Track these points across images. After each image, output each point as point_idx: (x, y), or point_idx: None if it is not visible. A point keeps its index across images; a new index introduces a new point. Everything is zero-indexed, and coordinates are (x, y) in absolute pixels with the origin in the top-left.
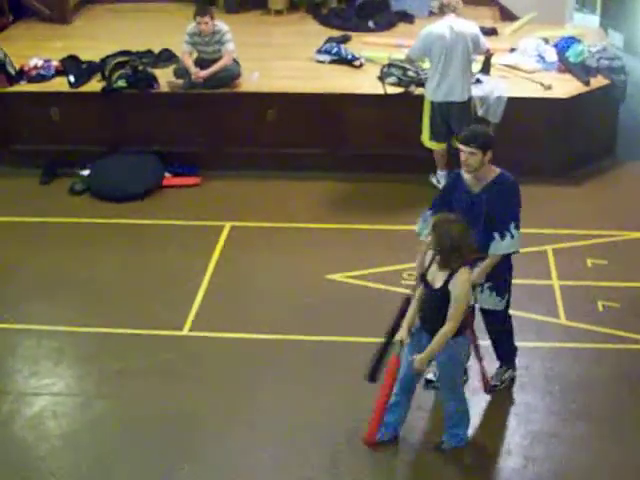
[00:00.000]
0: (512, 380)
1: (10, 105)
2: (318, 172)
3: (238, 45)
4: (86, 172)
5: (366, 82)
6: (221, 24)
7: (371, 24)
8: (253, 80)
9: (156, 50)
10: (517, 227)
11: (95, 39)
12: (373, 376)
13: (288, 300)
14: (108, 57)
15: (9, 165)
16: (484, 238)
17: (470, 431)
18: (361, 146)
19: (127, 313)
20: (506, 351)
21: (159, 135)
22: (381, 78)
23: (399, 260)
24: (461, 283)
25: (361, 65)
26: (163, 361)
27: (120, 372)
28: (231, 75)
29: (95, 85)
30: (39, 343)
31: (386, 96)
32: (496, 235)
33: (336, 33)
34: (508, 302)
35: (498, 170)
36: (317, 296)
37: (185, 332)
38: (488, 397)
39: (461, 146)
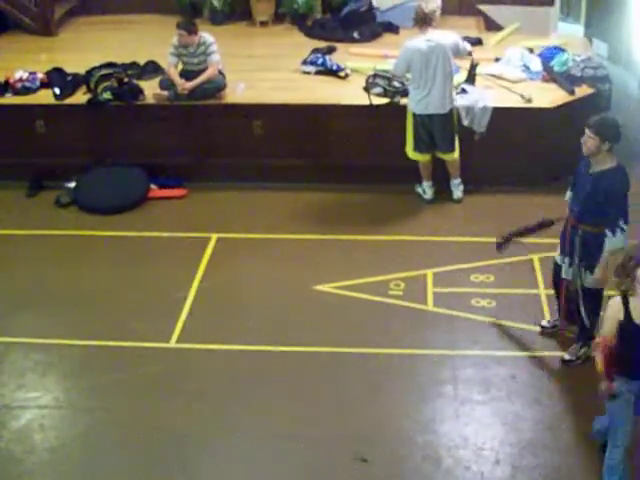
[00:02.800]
0: (587, 358)
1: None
2: (304, 183)
3: (223, 56)
4: (72, 184)
5: (351, 93)
6: (206, 35)
7: (356, 35)
8: (239, 91)
9: (141, 62)
10: (626, 222)
11: (80, 51)
12: (501, 245)
13: (276, 311)
14: (93, 69)
15: None
16: (580, 213)
17: (459, 441)
18: (347, 157)
19: (114, 325)
20: (588, 328)
21: (145, 147)
22: (366, 89)
23: (385, 270)
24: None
25: (346, 76)
26: (150, 373)
27: (107, 385)
28: (216, 86)
29: (80, 97)
30: (25, 356)
31: (371, 107)
32: (608, 232)
33: (321, 44)
34: None
35: (616, 164)
36: (305, 307)
37: (172, 344)
38: (479, 407)
39: (586, 129)
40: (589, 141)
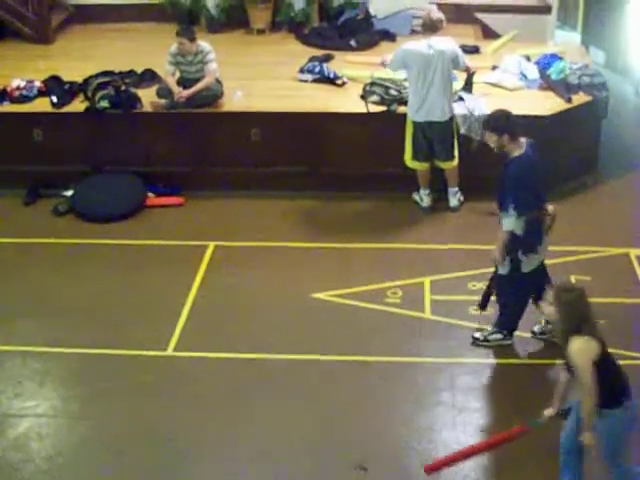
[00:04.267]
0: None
1: None
2: (302, 191)
3: (221, 64)
4: (69, 193)
5: (349, 101)
6: (204, 44)
7: (353, 43)
8: (236, 99)
9: (139, 70)
10: (515, 209)
11: (78, 59)
12: (484, 304)
13: (273, 319)
14: (91, 77)
15: None
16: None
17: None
18: (344, 165)
19: (111, 333)
20: (503, 319)
21: (142, 155)
22: (363, 97)
23: (383, 278)
24: (573, 355)
25: (343, 84)
26: (148, 382)
27: (105, 393)
28: (214, 94)
29: (78, 105)
30: (23, 364)
31: (368, 114)
32: (502, 213)
33: (318, 52)
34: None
35: (520, 153)
36: (302, 315)
37: (169, 352)
38: (476, 414)
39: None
40: (490, 140)
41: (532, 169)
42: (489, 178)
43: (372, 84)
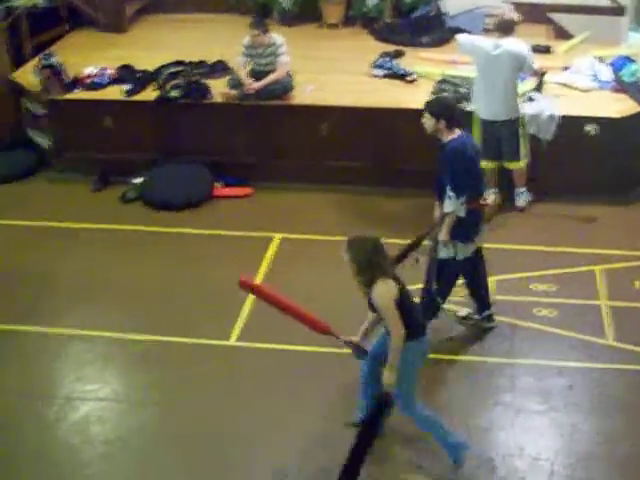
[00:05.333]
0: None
1: (65, 112)
2: (368, 186)
3: (292, 58)
4: (138, 180)
5: (419, 97)
6: (276, 37)
7: (425, 40)
8: (307, 93)
9: (210, 61)
10: (453, 190)
11: (150, 49)
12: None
13: (334, 312)
14: (162, 67)
15: (63, 172)
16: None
17: (515, 450)
18: (412, 161)
19: (174, 321)
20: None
21: (211, 145)
22: (434, 94)
23: None
24: (377, 297)
25: (414, 80)
26: (209, 371)
27: (165, 380)
28: (284, 88)
29: (149, 94)
30: (86, 348)
31: None
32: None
33: (390, 48)
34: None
35: (453, 137)
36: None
37: (232, 342)
38: (536, 417)
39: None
40: (425, 122)
41: (467, 155)
42: (558, 179)
43: (442, 81)
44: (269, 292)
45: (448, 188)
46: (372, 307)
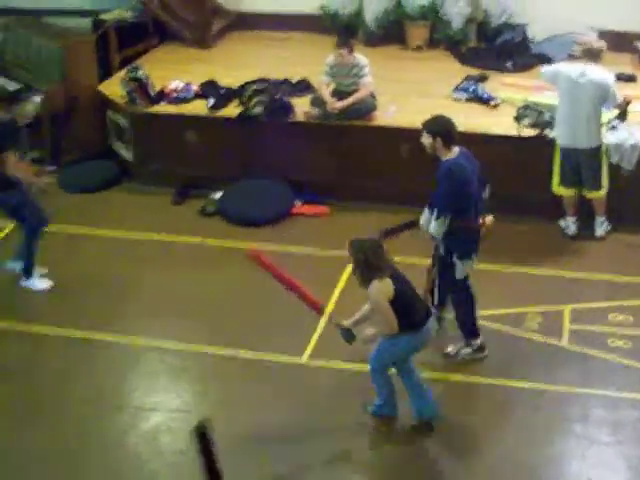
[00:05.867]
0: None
1: (149, 125)
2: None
3: (375, 78)
4: (218, 195)
5: (501, 122)
6: (360, 57)
7: (509, 65)
8: (389, 114)
9: (294, 79)
10: (437, 208)
11: (234, 65)
12: (386, 234)
13: None
14: (247, 83)
15: (145, 183)
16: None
17: None
18: (491, 186)
19: (247, 336)
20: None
21: (292, 163)
22: (516, 119)
23: (523, 303)
24: (371, 295)
25: (497, 105)
26: (279, 387)
27: (235, 394)
28: (367, 108)
29: (232, 110)
30: (159, 359)
31: (520, 138)
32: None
33: (474, 72)
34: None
35: (450, 157)
36: (443, 336)
37: (304, 360)
38: (606, 449)
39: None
40: (424, 140)
41: (459, 178)
42: (638, 209)
43: (526, 107)
44: (274, 266)
45: (436, 209)
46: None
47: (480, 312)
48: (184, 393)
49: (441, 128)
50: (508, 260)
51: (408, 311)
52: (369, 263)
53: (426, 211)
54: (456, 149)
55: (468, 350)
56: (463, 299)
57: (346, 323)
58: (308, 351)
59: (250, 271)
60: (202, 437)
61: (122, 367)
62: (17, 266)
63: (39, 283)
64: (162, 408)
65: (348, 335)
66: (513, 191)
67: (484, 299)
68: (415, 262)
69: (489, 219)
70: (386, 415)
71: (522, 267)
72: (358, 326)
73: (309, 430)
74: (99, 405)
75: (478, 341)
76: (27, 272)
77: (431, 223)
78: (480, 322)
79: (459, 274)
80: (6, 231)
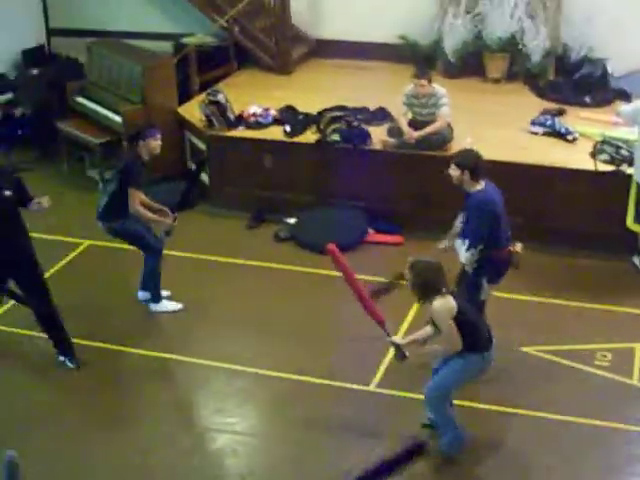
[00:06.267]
0: None
1: (226, 148)
2: (519, 242)
3: (453, 109)
4: (292, 220)
5: (577, 157)
6: (439, 88)
7: (587, 99)
8: (465, 146)
9: (372, 107)
10: (469, 240)
11: (313, 92)
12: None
13: None
14: (325, 110)
15: (220, 206)
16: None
17: None
18: (566, 221)
19: (316, 362)
20: None
21: (366, 191)
22: (593, 154)
23: (593, 339)
24: (435, 313)
25: (574, 140)
26: (345, 414)
27: (301, 420)
28: (444, 139)
29: (309, 136)
30: (227, 381)
31: (596, 173)
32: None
33: (551, 105)
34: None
35: (477, 189)
36: (509, 367)
37: (372, 388)
38: None
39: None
40: (451, 172)
41: (488, 210)
42: None
43: (603, 142)
44: (348, 269)
45: (468, 240)
46: (430, 321)
47: (553, 347)
48: (251, 416)
49: (469, 162)
50: (580, 296)
51: (471, 330)
52: (430, 284)
53: (459, 240)
54: (482, 182)
55: None
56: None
57: (401, 341)
58: (376, 379)
59: (321, 297)
60: None
61: (192, 387)
62: (147, 295)
63: (170, 305)
64: (229, 430)
65: (400, 354)
66: (587, 226)
67: (557, 334)
68: None
69: (519, 246)
70: (459, 447)
71: (592, 303)
72: (412, 347)
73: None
74: (168, 423)
75: None
76: (155, 297)
77: (462, 253)
78: (552, 357)
79: (484, 295)
80: (81, 248)
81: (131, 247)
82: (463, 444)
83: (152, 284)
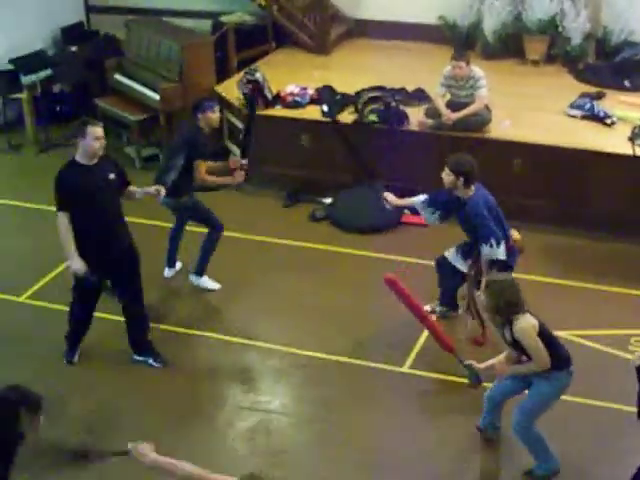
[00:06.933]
0: None
1: (264, 127)
2: (555, 226)
3: (491, 91)
4: (328, 200)
5: (616, 141)
6: (477, 69)
7: (627, 83)
8: (503, 128)
9: (410, 88)
10: (494, 238)
11: (351, 72)
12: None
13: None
14: (363, 91)
15: (257, 185)
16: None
17: None
18: (602, 205)
19: (350, 342)
20: None
21: (403, 171)
22: (631, 139)
23: (628, 325)
24: (521, 332)
25: (613, 124)
26: (378, 395)
27: (334, 399)
28: (481, 120)
29: (346, 116)
30: (262, 361)
31: (634, 158)
32: (481, 246)
33: (590, 89)
34: None
35: (470, 194)
36: None
37: (405, 369)
38: None
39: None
40: (446, 177)
41: (487, 206)
42: None
43: None
44: (411, 299)
45: (492, 238)
46: (511, 344)
47: (586, 332)
48: (283, 395)
49: (464, 169)
50: (614, 280)
51: (554, 344)
52: (511, 304)
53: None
54: (473, 187)
55: None
56: None
57: (477, 365)
58: (410, 360)
59: (354, 278)
60: None
61: (224, 365)
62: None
63: (210, 283)
64: (261, 408)
65: (476, 379)
66: (624, 210)
67: (591, 319)
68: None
69: (515, 234)
70: (554, 470)
71: (628, 288)
72: (488, 372)
73: (403, 432)
74: (200, 399)
75: None
76: (200, 270)
77: (494, 251)
78: (586, 342)
79: None
80: None
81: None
82: (557, 468)
83: (205, 258)
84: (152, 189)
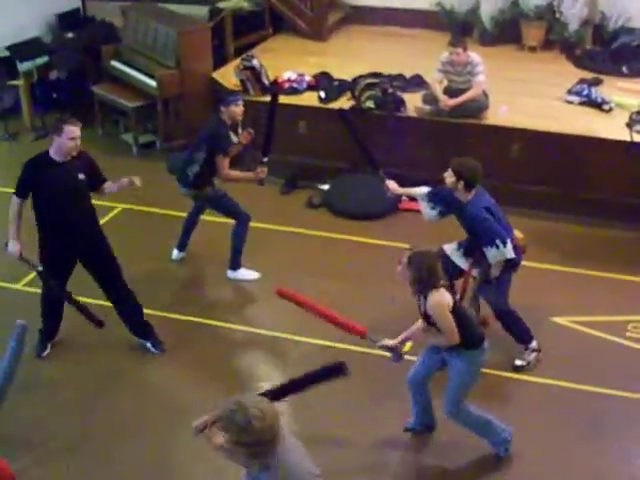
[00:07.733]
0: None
1: (260, 114)
2: (552, 212)
3: (488, 77)
4: (325, 187)
5: (613, 127)
6: (474, 55)
7: (625, 69)
8: (500, 114)
9: (407, 74)
10: (499, 239)
11: (348, 58)
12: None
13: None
14: (360, 77)
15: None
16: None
17: None
18: (599, 191)
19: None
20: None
21: (400, 158)
22: (629, 125)
23: (626, 311)
24: (433, 306)
25: (610, 110)
26: (394, 384)
27: (357, 388)
28: (479, 106)
29: (344, 103)
30: (259, 346)
31: (632, 144)
32: (485, 248)
33: (588, 75)
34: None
35: (470, 198)
36: (540, 338)
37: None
38: None
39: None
40: (448, 178)
41: (486, 208)
42: None
43: (639, 112)
44: (305, 300)
45: (496, 239)
46: (424, 317)
47: (584, 318)
48: (277, 379)
49: (467, 172)
50: (612, 267)
51: (467, 324)
52: (425, 277)
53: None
54: (473, 190)
55: (533, 354)
56: (505, 310)
57: (391, 342)
58: (406, 348)
59: (364, 265)
60: None
61: (227, 352)
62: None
63: (248, 274)
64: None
65: (396, 355)
66: (622, 198)
67: (589, 305)
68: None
69: (518, 234)
70: (507, 438)
71: (626, 275)
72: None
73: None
74: (204, 386)
75: (534, 343)
76: (234, 265)
77: (502, 251)
78: (583, 328)
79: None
80: (115, 212)
81: (163, 211)
82: (509, 440)
83: (236, 251)
84: (125, 180)
